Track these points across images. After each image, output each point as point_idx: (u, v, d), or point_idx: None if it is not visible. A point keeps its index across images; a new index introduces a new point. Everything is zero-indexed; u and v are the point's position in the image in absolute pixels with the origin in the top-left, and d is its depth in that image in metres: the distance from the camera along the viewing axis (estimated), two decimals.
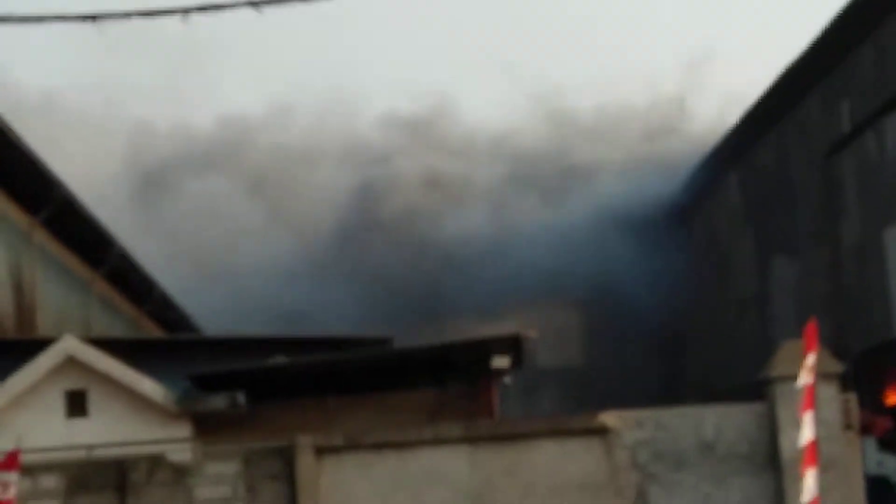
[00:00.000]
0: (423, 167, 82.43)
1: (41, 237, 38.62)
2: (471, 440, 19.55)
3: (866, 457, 22.90)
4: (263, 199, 76.37)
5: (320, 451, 19.16)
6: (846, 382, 20.11)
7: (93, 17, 17.76)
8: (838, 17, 50.71)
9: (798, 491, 14.64)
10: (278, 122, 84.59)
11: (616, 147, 77.85)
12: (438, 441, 19.58)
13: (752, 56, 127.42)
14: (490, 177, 79.79)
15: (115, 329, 46.53)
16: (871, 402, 37.31)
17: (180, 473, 19.30)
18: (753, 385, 20.79)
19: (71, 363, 23.16)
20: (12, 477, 16.34)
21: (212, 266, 57.69)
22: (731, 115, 68.74)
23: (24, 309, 36.13)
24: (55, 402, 22.90)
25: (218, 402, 23.32)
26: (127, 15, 17.88)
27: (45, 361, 23.10)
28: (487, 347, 25.30)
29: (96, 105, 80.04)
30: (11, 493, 16.27)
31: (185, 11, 17.31)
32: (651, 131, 77.59)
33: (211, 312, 56.05)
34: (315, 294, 66.87)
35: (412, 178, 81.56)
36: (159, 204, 71.54)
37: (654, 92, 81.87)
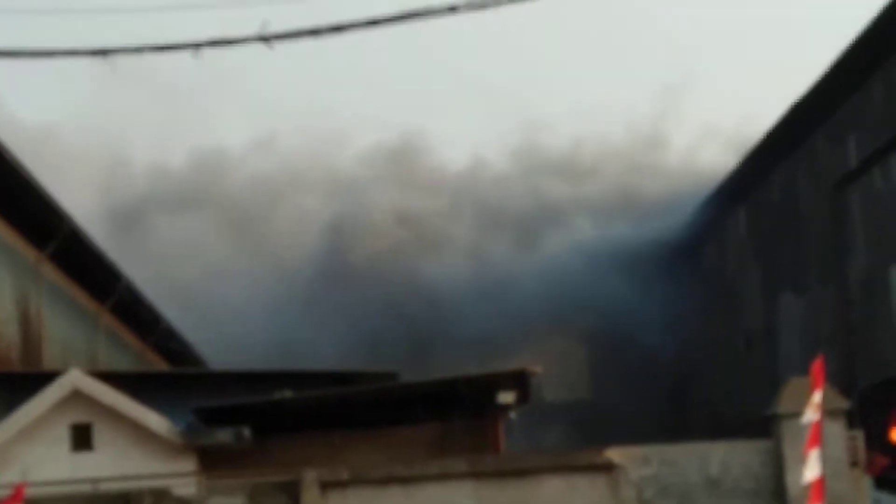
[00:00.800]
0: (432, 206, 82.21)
1: (48, 270, 38.37)
2: (476, 475, 20.08)
3: None
4: (244, 233, 76.44)
5: (325, 486, 19.75)
6: (852, 419, 20.16)
7: (104, 52, 16.48)
8: (847, 52, 50.99)
9: None
10: (262, 155, 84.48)
11: (616, 182, 78.30)
12: (444, 476, 20.10)
13: (726, 89, 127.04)
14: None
15: (121, 362, 46.80)
16: (876, 438, 36.49)
17: None
18: (760, 420, 20.92)
19: (76, 396, 23.39)
20: None
21: (193, 301, 58.02)
22: (709, 147, 72.82)
23: (30, 341, 36.40)
24: (61, 435, 23.08)
25: (223, 435, 23.63)
26: (138, 49, 17.00)
27: (50, 394, 23.39)
28: (493, 383, 25.40)
29: (95, 139, 79.45)
30: None
31: (197, 46, 16.51)
32: (641, 167, 78.27)
33: (201, 345, 56.13)
34: (298, 329, 66.13)
35: (395, 213, 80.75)
36: (141, 237, 70.93)
37: (650, 129, 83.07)
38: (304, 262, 77.36)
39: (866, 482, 21.22)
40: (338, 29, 17.31)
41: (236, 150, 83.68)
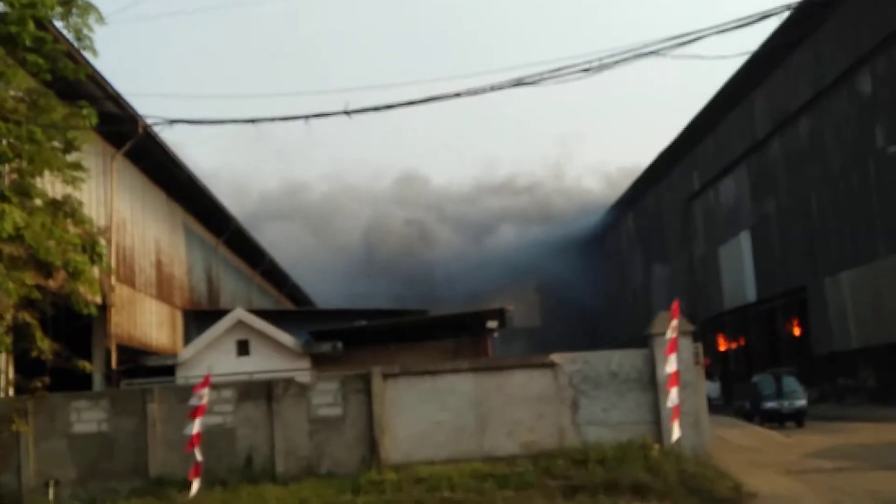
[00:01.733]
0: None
1: (223, 250, 45.47)
2: (475, 370, 22.82)
3: None
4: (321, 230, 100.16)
5: (385, 376, 22.21)
6: (695, 336, 23.08)
7: (252, 121, 20.42)
8: (692, 121, 62.66)
9: (666, 401, 20.25)
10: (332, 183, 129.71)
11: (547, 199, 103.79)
12: (455, 370, 22.83)
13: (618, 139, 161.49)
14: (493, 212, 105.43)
15: (266, 303, 52.92)
16: (709, 347, 43.38)
17: (303, 389, 22.22)
18: (642, 338, 23.30)
19: (240, 324, 28.89)
20: (205, 392, 19.79)
21: (305, 269, 73.88)
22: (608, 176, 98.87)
23: (212, 291, 42.58)
24: (230, 346, 28.43)
25: (325, 347, 29.44)
26: (272, 119, 20.28)
27: (224, 323, 29.04)
28: (484, 315, 31.28)
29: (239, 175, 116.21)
30: (205, 401, 19.83)
31: (307, 117, 19.85)
32: (567, 190, 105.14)
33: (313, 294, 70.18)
34: (359, 286, 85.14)
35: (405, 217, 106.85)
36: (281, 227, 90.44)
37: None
38: (359, 247, 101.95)
39: (702, 373, 22.88)
40: (376, 109, 18.36)
41: (315, 181, 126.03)
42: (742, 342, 61.67)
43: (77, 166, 18.47)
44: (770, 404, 35.67)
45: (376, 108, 23.85)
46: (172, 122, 18.39)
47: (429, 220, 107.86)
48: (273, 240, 67.56)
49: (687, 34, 16.07)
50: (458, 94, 21.55)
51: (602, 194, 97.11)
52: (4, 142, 16.63)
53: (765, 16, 15.58)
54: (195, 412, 19.88)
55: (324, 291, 73.54)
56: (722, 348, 61.28)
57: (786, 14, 29.86)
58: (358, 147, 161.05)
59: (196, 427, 19.68)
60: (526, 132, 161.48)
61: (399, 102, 19.58)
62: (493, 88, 19.08)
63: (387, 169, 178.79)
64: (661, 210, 74.95)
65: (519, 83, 16.51)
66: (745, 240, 59.94)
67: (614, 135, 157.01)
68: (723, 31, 17.04)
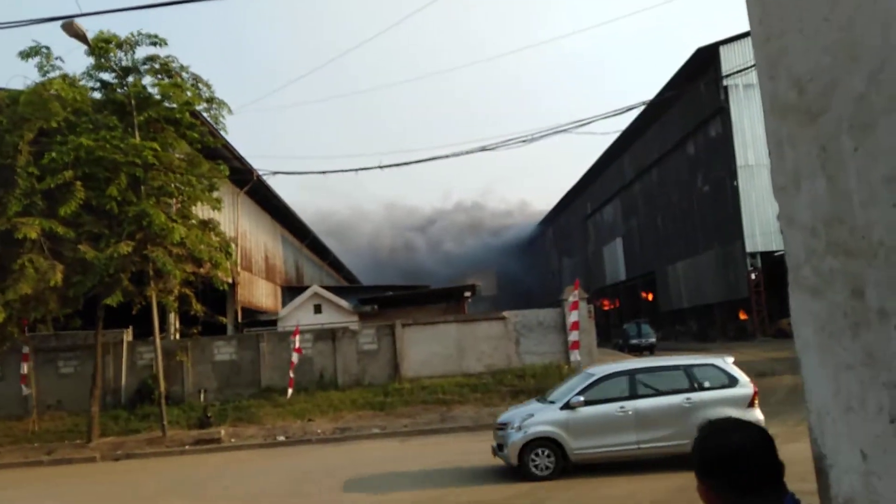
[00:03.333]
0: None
1: (305, 250, 43.68)
2: (457, 321, 22.92)
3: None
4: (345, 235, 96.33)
5: (403, 325, 22.35)
6: (589, 301, 23.25)
7: (323, 172, 22.39)
8: (588, 170, 61.49)
9: (569, 339, 20.92)
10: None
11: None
12: (445, 321, 22.93)
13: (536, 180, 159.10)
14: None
15: (330, 281, 50.00)
16: (597, 309, 42.71)
17: (354, 333, 22.22)
18: (558, 301, 23.08)
19: (315, 294, 28.61)
20: (297, 337, 20.26)
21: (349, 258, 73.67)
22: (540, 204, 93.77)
23: (299, 275, 41.39)
24: (310, 308, 27.97)
25: (367, 308, 29.33)
26: (335, 171, 28.03)
27: (306, 294, 28.69)
28: (462, 288, 31.23)
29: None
30: (297, 344, 20.13)
31: (357, 171, 22.52)
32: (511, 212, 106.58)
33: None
34: (382, 272, 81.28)
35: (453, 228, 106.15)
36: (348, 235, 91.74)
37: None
38: (375, 245, 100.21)
39: (593, 323, 22.79)
40: (398, 164, 23.79)
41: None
42: (617, 304, 62.11)
43: (216, 200, 18.59)
44: (634, 341, 35.27)
45: (398, 164, 25.86)
46: (275, 173, 18.72)
47: (436, 227, 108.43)
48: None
49: (584, 119, 16.29)
50: (447, 156, 23.73)
51: (534, 214, 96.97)
52: (173, 185, 16.70)
53: (630, 108, 15.89)
54: (295, 350, 20.13)
55: (360, 273, 72.95)
56: (606, 307, 61.51)
57: (643, 107, 30.52)
58: (382, 186, 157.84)
59: (294, 358, 19.94)
60: (491, 178, 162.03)
61: (410, 161, 20.36)
62: (467, 153, 20.25)
63: (399, 198, 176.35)
64: (570, 224, 74.62)
65: (484, 149, 16.79)
66: (618, 243, 59.96)
67: (544, 178, 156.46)
68: (606, 117, 17.22)
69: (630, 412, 10.24)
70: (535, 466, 10.28)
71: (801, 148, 1.56)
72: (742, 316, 40.71)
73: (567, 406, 10.45)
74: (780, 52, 1.63)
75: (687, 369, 10.60)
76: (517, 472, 10.31)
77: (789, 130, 1.61)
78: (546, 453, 10.28)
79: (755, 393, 10.42)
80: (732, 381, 10.47)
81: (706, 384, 10.48)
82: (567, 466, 10.25)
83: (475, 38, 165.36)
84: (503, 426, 10.86)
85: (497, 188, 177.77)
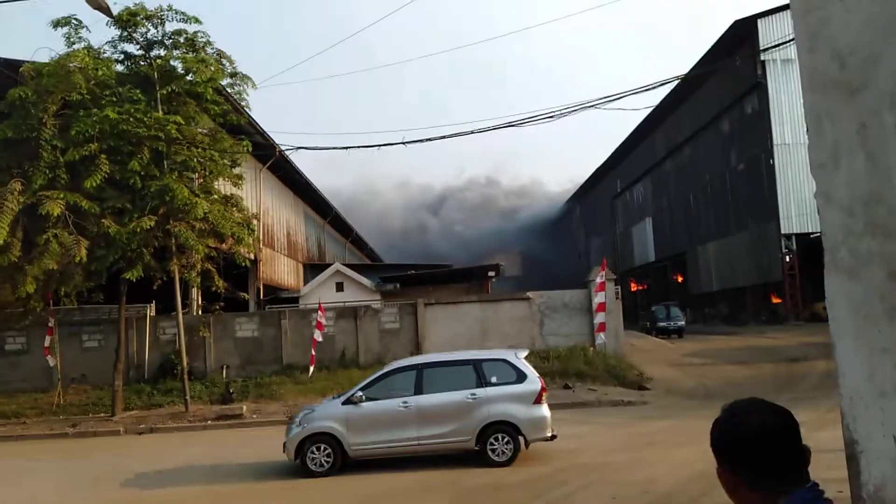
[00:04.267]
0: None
1: (328, 227, 43.75)
2: (480, 301, 22.95)
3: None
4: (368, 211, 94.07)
5: (425, 304, 22.34)
6: (616, 282, 22.76)
7: (346, 148, 23.05)
8: (617, 147, 60.51)
9: (595, 321, 20.99)
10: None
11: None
12: (468, 301, 22.95)
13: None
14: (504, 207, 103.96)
15: (352, 259, 49.52)
16: (625, 290, 40.98)
17: (376, 311, 22.49)
18: (584, 282, 23.45)
19: (338, 272, 28.61)
20: (320, 314, 19.86)
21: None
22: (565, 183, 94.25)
23: (321, 252, 41.63)
24: (332, 285, 27.96)
25: (389, 286, 29.03)
26: (358, 147, 22.72)
27: (328, 271, 28.80)
28: (486, 268, 31.02)
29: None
30: (322, 320, 19.73)
31: (379, 146, 26.43)
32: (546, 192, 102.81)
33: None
34: (406, 249, 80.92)
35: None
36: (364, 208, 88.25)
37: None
38: (386, 226, 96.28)
39: (619, 305, 22.09)
40: (421, 140, 22.73)
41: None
42: (645, 286, 61.62)
43: (239, 176, 18.76)
44: (662, 324, 34.83)
45: (421, 140, 27.11)
46: (297, 148, 18.71)
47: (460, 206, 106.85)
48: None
49: (614, 94, 16.02)
50: (472, 132, 23.04)
51: (562, 192, 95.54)
52: (195, 160, 16.83)
53: (663, 83, 15.56)
54: (317, 326, 19.95)
55: (382, 251, 73.37)
56: (633, 289, 61.08)
57: (676, 82, 29.96)
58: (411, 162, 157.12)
59: (317, 335, 19.83)
60: (516, 155, 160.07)
61: (433, 137, 20.16)
62: (493, 128, 19.85)
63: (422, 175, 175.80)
64: (598, 203, 73.60)
65: (510, 125, 16.58)
66: (648, 223, 59.12)
67: (571, 156, 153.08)
68: (637, 93, 16.98)
69: (412, 408, 10.26)
70: (313, 462, 10.25)
71: (840, 124, 1.53)
72: (775, 299, 40.14)
73: (349, 401, 10.41)
74: (821, 24, 1.60)
75: (476, 364, 10.58)
76: (298, 468, 10.26)
77: (829, 105, 1.58)
78: (323, 449, 10.25)
79: (542, 389, 10.47)
80: (521, 377, 10.50)
81: (494, 380, 10.48)
82: (346, 462, 10.25)
83: (502, 10, 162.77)
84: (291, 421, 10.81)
85: (516, 166, 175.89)
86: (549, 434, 10.43)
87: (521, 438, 10.32)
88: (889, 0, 1.30)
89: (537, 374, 10.70)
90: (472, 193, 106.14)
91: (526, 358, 10.98)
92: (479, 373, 10.53)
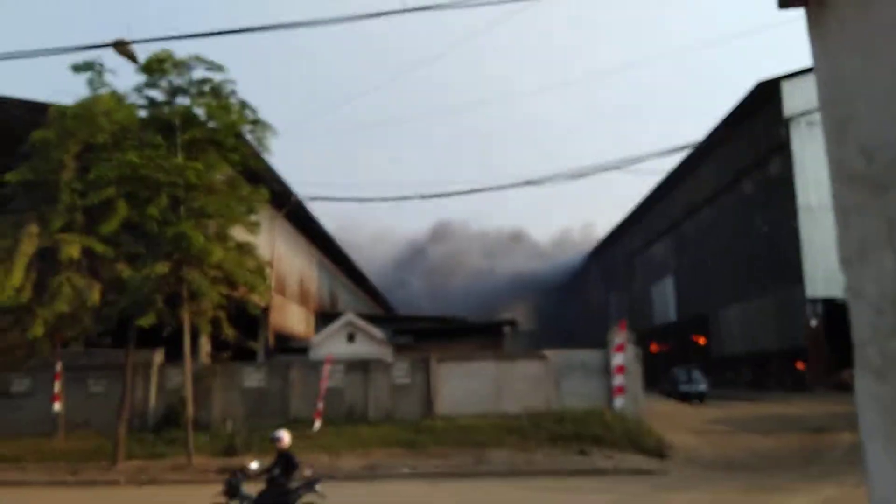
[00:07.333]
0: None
1: (341, 276, 43.67)
2: (495, 358, 22.58)
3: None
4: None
5: (438, 360, 22.20)
6: (636, 343, 22.81)
7: (361, 200, 26.86)
8: (634, 209, 61.28)
9: (614, 383, 21.15)
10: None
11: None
12: (482, 358, 22.55)
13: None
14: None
15: (365, 309, 47.90)
16: (645, 352, 43.65)
17: (387, 366, 22.28)
18: (602, 341, 22.67)
19: (349, 322, 27.64)
20: (338, 364, 20.61)
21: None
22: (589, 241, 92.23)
23: (333, 301, 41.68)
24: (342, 336, 27.18)
25: (402, 340, 28.73)
26: (372, 199, 26.38)
27: (340, 321, 27.89)
28: (500, 323, 30.69)
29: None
30: (326, 374, 20.18)
31: (396, 199, 26.24)
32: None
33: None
34: (420, 302, 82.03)
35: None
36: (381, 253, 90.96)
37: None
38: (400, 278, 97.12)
39: (640, 367, 21.95)
40: (439, 195, 22.31)
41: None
42: (666, 347, 60.72)
43: (255, 223, 18.70)
44: (683, 387, 34.48)
45: (438, 195, 25.74)
46: (312, 198, 18.80)
47: (471, 255, 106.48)
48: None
49: (635, 157, 16.28)
50: (491, 188, 24.10)
51: (579, 247, 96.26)
52: (212, 207, 17.01)
53: (684, 147, 15.70)
54: (323, 380, 20.12)
55: (395, 299, 72.49)
56: (653, 350, 60.28)
57: (696, 144, 30.11)
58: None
59: (322, 388, 20.01)
60: (531, 213, 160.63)
61: (451, 192, 20.19)
62: (511, 186, 20.11)
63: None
64: (616, 260, 73.48)
65: (529, 182, 16.74)
66: (669, 282, 58.75)
67: (591, 211, 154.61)
68: (658, 156, 17.12)
69: None
70: None
71: (868, 219, 1.55)
72: (799, 366, 39.37)
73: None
74: (848, 118, 1.63)
75: None
76: None
77: (856, 199, 1.60)
78: None
79: None
80: None
81: None
82: None
83: (497, 76, 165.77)
84: None
85: (533, 222, 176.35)
86: None
87: None
88: None
89: None
90: (490, 244, 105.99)
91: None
92: None
